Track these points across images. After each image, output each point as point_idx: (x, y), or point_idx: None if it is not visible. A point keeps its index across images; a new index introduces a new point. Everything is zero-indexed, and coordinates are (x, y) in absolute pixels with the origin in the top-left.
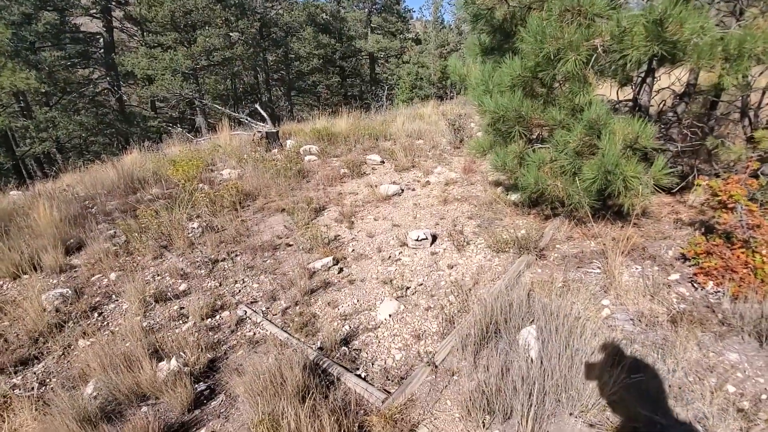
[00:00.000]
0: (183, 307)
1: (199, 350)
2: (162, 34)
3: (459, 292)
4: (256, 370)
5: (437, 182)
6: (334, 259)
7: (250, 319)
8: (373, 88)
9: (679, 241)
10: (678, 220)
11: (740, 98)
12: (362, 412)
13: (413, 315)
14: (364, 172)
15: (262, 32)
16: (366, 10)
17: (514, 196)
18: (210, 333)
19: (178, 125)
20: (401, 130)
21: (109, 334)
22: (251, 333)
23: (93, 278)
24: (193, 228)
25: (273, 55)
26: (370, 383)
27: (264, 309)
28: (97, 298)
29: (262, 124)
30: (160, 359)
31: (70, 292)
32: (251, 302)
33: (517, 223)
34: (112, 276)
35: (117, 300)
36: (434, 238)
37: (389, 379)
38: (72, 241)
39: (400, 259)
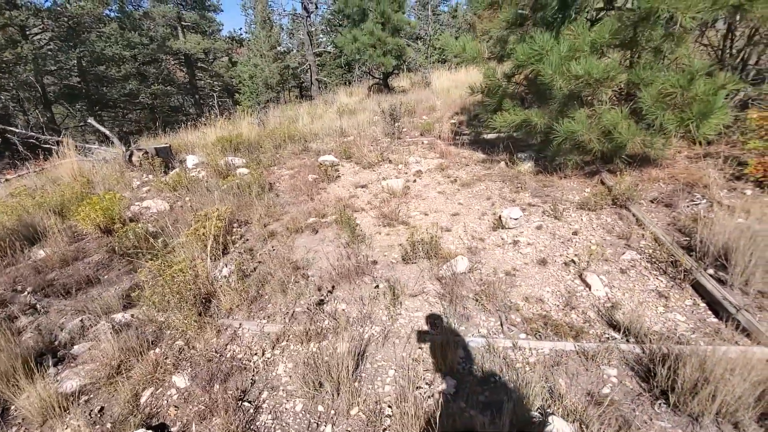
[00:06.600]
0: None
1: None
2: None
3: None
4: None
5: (428, 170)
6: (467, 258)
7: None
8: (196, 96)
9: (711, 170)
10: (687, 156)
11: None
12: None
13: (628, 281)
14: (333, 176)
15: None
16: (173, 3)
17: (525, 167)
18: None
19: None
20: (320, 130)
21: None
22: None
23: (145, 395)
24: (224, 276)
25: (62, 56)
26: None
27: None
28: None
29: (93, 147)
30: None
31: None
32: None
33: (569, 185)
34: (178, 381)
35: None
36: None
37: None
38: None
39: (518, 241)
